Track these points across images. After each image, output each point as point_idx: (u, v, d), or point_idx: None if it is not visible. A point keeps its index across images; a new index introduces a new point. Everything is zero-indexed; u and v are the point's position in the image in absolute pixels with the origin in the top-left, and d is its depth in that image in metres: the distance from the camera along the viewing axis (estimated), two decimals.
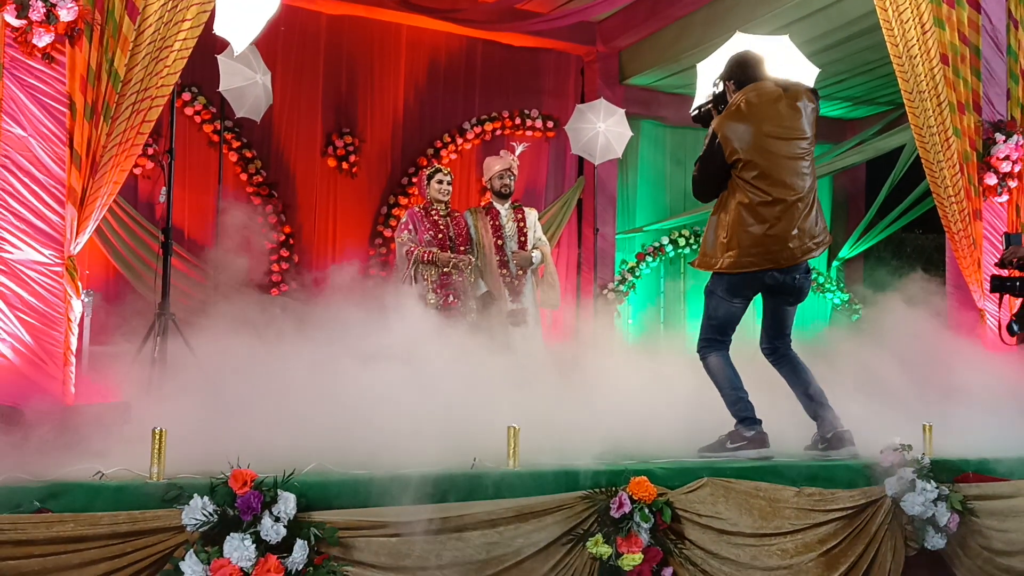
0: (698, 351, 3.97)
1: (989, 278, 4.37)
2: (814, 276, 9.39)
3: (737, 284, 3.86)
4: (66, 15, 3.69)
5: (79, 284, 3.80)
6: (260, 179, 7.72)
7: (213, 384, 4.53)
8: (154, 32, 3.90)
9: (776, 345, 4.01)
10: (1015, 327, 4.32)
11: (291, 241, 7.79)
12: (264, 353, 4.99)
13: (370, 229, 8.11)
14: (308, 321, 5.73)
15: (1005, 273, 4.25)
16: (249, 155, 7.68)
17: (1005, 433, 4.11)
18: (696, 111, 4.11)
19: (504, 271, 6.03)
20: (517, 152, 6.33)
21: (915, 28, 5.34)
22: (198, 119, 7.45)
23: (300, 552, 2.57)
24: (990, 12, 5.56)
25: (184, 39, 3.96)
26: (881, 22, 5.41)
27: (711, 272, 3.94)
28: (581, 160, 8.67)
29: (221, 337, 5.25)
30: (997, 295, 4.42)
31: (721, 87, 3.98)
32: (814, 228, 3.85)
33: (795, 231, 3.79)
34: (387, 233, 8.05)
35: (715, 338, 3.92)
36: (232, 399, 3.83)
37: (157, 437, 2.73)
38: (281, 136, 7.85)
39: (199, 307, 6.00)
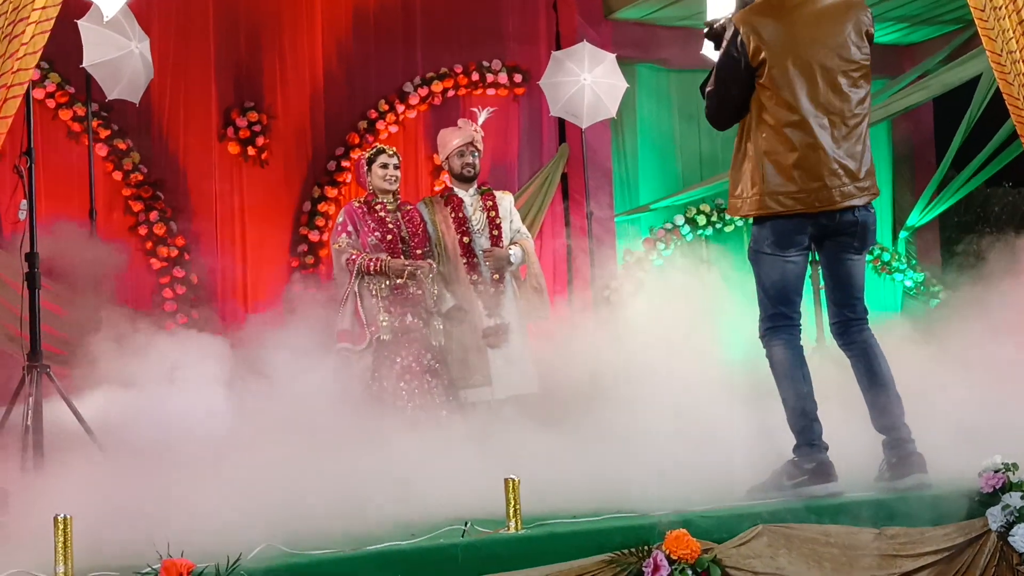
0: (760, 336, 4.19)
1: None
2: (876, 252, 9.64)
3: (783, 231, 4.08)
4: None
5: None
6: (140, 177, 7.78)
7: (110, 454, 4.67)
8: (3, 2, 4.00)
9: (847, 317, 4.20)
10: None
11: (186, 256, 7.85)
12: (171, 409, 5.14)
13: (290, 233, 8.18)
14: (223, 364, 5.87)
15: None
16: (123, 146, 7.73)
17: None
18: (709, 29, 4.33)
19: (475, 276, 6.18)
20: (480, 120, 6.48)
21: None
22: (52, 103, 7.49)
23: None
24: None
25: (44, 7, 4.06)
26: None
27: (750, 223, 4.21)
28: (562, 123, 8.79)
29: (110, 392, 5.40)
30: None
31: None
32: (859, 168, 4.08)
33: (834, 165, 4.03)
34: (313, 237, 8.14)
35: (779, 312, 4.12)
36: (139, 472, 3.96)
37: (61, 527, 2.85)
38: (164, 119, 7.91)
39: (76, 353, 6.08)
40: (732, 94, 4.14)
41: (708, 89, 4.21)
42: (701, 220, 9.22)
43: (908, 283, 9.79)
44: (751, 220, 4.21)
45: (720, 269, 8.74)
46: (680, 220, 9.18)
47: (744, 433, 4.47)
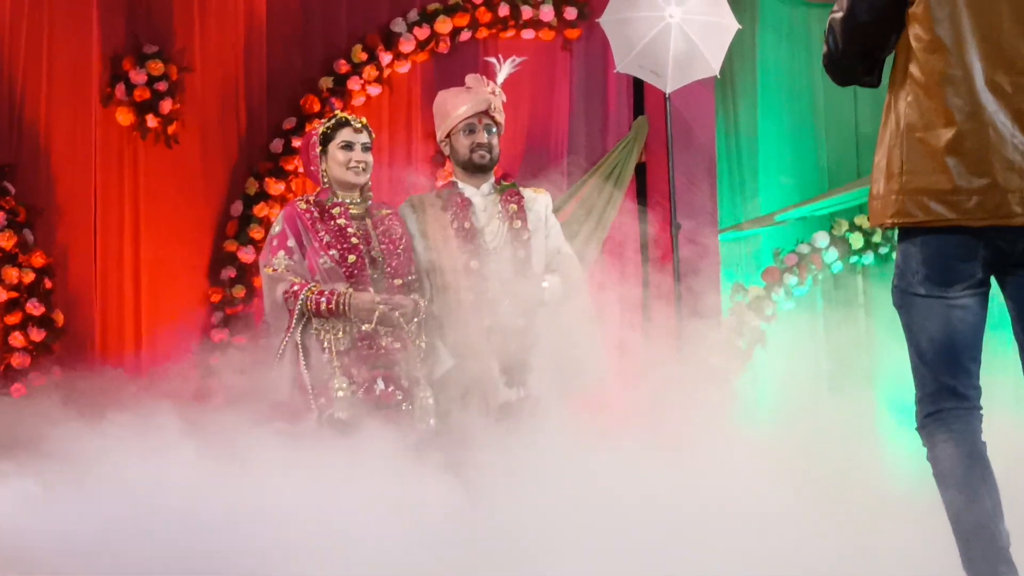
0: (918, 428, 4.09)
1: None
2: None
3: (939, 255, 3.99)
4: None
5: None
6: None
7: None
8: None
9: None
10: None
11: (46, 284, 7.85)
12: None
13: (210, 249, 8.24)
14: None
15: None
16: None
17: None
18: None
19: (488, 322, 6.12)
20: (501, 75, 6.46)
21: None
22: None
23: None
24: None
25: None
26: None
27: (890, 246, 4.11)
28: (639, 85, 8.80)
29: None
30: None
31: None
32: None
33: (1013, 155, 3.89)
34: (245, 256, 8.13)
35: (944, 387, 4.02)
36: None
37: None
38: (17, 72, 7.97)
39: None
40: (862, 23, 4.07)
41: (831, 15, 4.13)
42: (856, 240, 9.12)
43: None
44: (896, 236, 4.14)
45: (887, 318, 8.65)
46: (823, 239, 9.10)
47: None
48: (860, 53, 4.15)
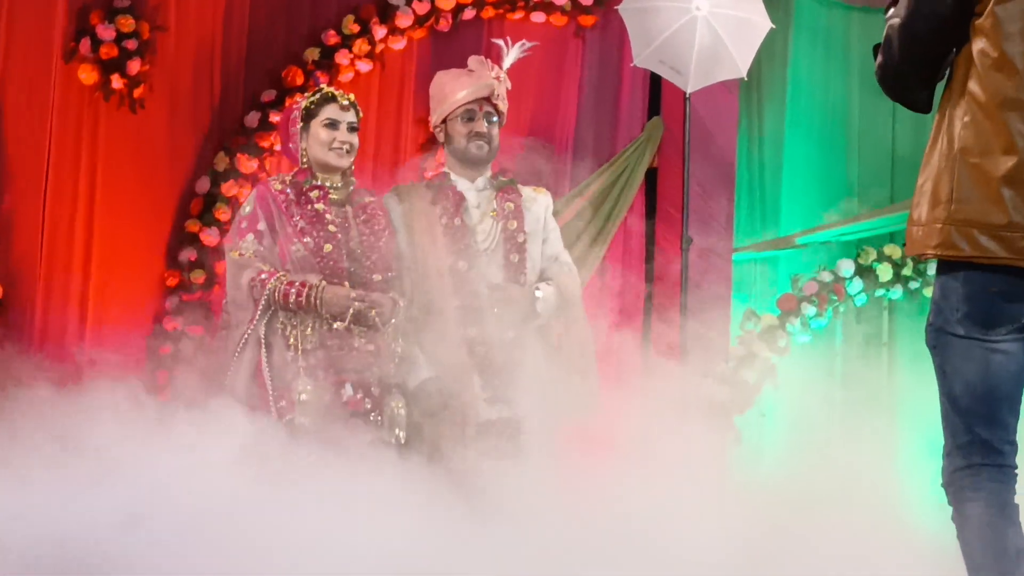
0: (945, 484, 4.06)
1: None
2: None
3: (982, 291, 3.95)
4: None
5: None
6: None
7: None
8: None
9: None
10: None
11: None
12: None
13: (170, 227, 8.21)
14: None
15: None
16: None
17: None
18: None
19: (473, 330, 6.10)
20: (507, 60, 6.44)
21: None
22: None
23: None
24: None
25: None
26: None
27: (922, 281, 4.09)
28: (656, 82, 8.79)
29: None
30: None
31: None
32: None
33: None
34: (208, 238, 8.13)
35: (977, 441, 3.97)
36: None
37: None
38: None
39: None
40: (923, 29, 4.00)
41: (889, 21, 4.06)
42: (884, 272, 9.11)
43: None
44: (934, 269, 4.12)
45: (914, 359, 8.58)
46: (848, 268, 9.09)
47: None
48: (919, 62, 4.10)
